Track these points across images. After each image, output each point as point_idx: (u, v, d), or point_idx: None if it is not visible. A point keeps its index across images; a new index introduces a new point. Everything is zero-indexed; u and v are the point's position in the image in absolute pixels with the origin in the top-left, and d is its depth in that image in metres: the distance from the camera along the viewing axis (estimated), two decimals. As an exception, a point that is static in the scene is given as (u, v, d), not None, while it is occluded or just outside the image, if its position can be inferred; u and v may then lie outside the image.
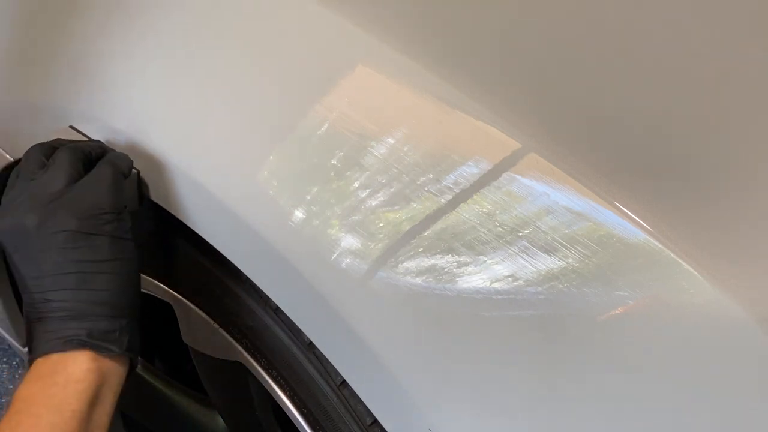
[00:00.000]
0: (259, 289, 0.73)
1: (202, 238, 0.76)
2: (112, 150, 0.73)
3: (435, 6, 0.62)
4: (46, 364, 0.64)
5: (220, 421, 0.98)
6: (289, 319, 0.74)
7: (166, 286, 0.88)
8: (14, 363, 1.63)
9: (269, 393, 0.82)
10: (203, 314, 0.85)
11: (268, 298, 0.73)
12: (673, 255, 0.51)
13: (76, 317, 0.65)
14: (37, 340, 0.66)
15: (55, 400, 0.62)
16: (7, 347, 1.62)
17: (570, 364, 0.55)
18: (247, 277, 0.74)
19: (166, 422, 1.04)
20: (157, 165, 0.73)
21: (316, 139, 0.67)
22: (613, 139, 0.55)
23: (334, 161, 0.65)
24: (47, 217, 0.65)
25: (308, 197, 0.66)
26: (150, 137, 0.73)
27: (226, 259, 0.75)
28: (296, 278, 0.67)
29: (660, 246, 0.51)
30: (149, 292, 0.92)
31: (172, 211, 0.77)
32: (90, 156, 0.71)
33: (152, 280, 0.91)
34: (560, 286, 0.55)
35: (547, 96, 0.57)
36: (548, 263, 0.55)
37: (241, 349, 0.82)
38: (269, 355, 0.80)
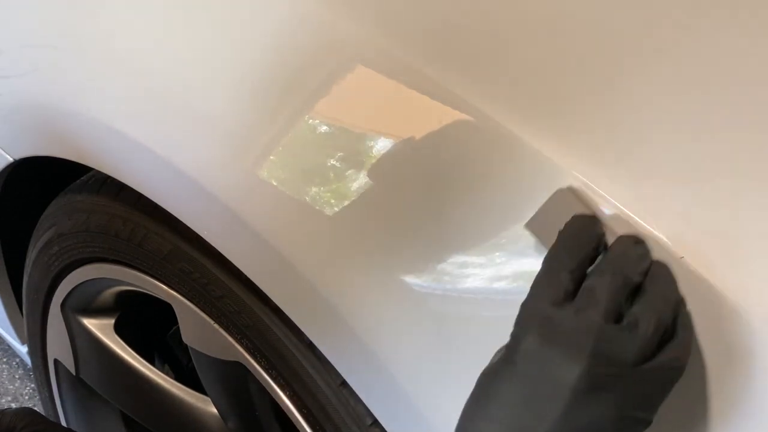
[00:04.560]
0: (259, 289, 0.73)
1: (201, 238, 0.76)
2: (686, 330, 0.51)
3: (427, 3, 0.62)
4: None
5: (220, 421, 0.98)
6: (289, 319, 0.74)
7: (166, 286, 0.88)
8: (14, 363, 1.62)
9: (269, 393, 0.82)
10: (203, 314, 0.84)
11: (268, 298, 0.73)
12: (672, 255, 0.51)
13: None
14: None
15: None
16: (7, 347, 1.62)
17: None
18: (247, 277, 0.74)
19: (166, 422, 1.04)
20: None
21: (316, 140, 0.67)
22: (613, 138, 0.55)
23: (333, 162, 0.65)
24: (594, 391, 0.48)
25: (307, 198, 0.66)
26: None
27: (226, 258, 0.75)
28: (296, 278, 0.67)
29: (658, 245, 0.51)
30: (149, 292, 0.92)
31: (171, 211, 0.77)
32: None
33: (152, 280, 0.91)
34: (560, 286, 0.54)
35: (546, 95, 0.57)
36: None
37: (241, 349, 0.82)
38: (269, 355, 0.80)
